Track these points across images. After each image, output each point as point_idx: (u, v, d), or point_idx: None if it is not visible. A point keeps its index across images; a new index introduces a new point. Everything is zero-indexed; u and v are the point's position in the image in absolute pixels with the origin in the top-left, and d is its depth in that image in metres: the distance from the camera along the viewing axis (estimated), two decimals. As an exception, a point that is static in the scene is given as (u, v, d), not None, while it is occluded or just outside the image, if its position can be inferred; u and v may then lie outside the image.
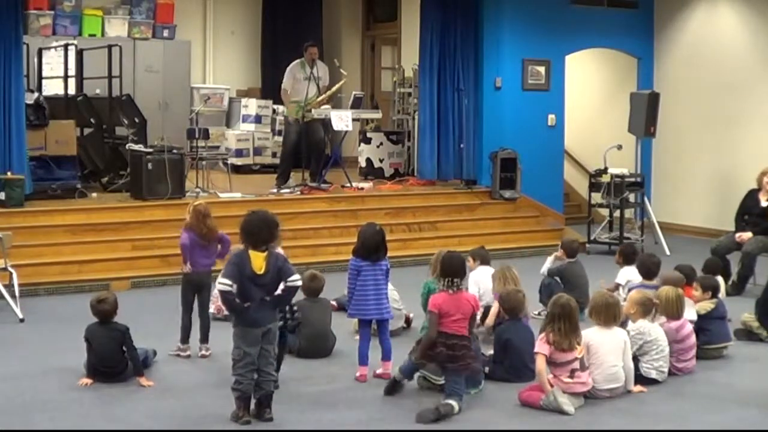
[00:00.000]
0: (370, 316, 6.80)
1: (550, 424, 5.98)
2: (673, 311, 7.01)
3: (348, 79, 13.55)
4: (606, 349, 6.38)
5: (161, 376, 6.86)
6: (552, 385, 6.14)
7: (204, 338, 7.51)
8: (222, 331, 7.81)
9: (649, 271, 8.08)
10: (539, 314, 8.18)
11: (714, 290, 7.70)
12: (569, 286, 8.46)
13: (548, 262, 8.85)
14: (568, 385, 6.16)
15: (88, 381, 6.55)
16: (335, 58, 14.29)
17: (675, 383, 6.78)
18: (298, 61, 12.78)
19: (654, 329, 6.78)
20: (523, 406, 6.20)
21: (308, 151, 12.80)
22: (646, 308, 6.82)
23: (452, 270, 6.26)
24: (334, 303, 8.87)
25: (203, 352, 7.49)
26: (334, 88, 12.95)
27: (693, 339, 7.08)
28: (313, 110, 12.58)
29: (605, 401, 6.34)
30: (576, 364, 6.18)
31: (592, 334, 6.43)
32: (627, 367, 6.47)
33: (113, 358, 6.59)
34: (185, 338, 7.46)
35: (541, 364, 6.18)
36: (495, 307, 7.77)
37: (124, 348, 6.64)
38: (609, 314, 6.46)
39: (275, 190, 12.32)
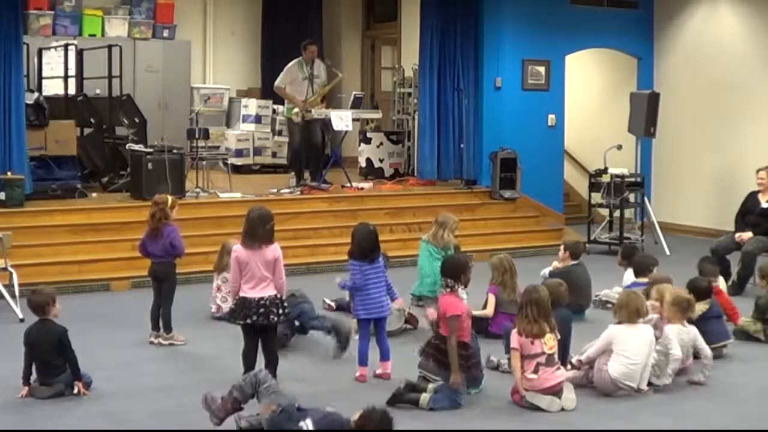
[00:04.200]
0: (373, 315, 6.80)
1: (550, 424, 5.98)
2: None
3: (348, 79, 13.56)
4: (631, 344, 6.43)
5: (161, 376, 6.87)
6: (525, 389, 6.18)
7: (155, 326, 7.66)
8: (222, 331, 7.84)
9: (642, 269, 8.24)
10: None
11: (706, 292, 7.68)
12: (572, 289, 8.41)
13: (552, 267, 8.84)
14: (532, 382, 6.15)
15: (25, 392, 6.33)
16: (328, 58, 14.23)
17: (675, 383, 6.77)
18: (296, 60, 12.75)
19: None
20: (514, 404, 6.23)
21: (307, 151, 12.81)
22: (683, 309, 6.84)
23: (448, 272, 6.37)
24: (332, 303, 8.90)
25: (151, 338, 7.66)
26: (327, 87, 12.93)
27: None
28: (313, 110, 12.59)
29: (604, 401, 6.34)
30: (542, 359, 6.15)
31: (617, 330, 6.52)
32: (647, 366, 6.50)
33: (50, 361, 6.35)
34: (153, 325, 7.67)
35: (515, 361, 6.19)
36: (492, 300, 7.79)
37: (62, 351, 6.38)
38: (631, 309, 6.52)
39: (275, 190, 12.31)
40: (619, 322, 6.59)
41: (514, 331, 6.23)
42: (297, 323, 7.67)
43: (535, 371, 6.14)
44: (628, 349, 6.43)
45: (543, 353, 6.15)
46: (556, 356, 6.22)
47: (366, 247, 6.77)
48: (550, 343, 6.18)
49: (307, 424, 5.24)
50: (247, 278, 6.37)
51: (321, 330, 7.54)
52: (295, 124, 12.72)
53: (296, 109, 12.59)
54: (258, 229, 6.40)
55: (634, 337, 6.49)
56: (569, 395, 6.22)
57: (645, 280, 8.00)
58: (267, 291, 6.37)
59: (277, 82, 12.89)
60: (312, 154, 12.87)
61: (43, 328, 6.43)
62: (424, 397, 6.14)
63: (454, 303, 6.28)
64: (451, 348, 6.17)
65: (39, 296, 6.53)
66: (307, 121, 12.58)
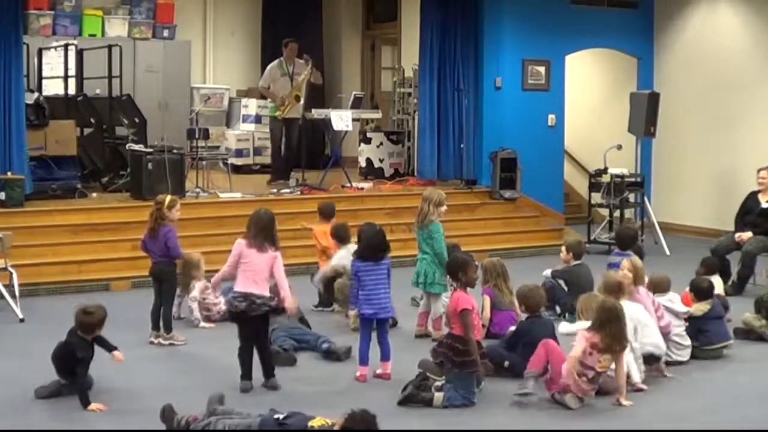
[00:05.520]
0: (376, 316, 6.79)
1: (551, 424, 5.99)
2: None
3: (348, 79, 13.55)
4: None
5: (161, 376, 6.87)
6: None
7: (155, 326, 7.66)
8: (222, 331, 7.85)
9: (623, 242, 8.59)
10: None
11: (707, 292, 7.68)
12: (574, 290, 8.41)
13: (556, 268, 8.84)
14: (577, 384, 6.15)
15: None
16: (327, 58, 14.22)
17: (674, 383, 6.79)
18: (277, 60, 12.98)
19: (629, 307, 6.75)
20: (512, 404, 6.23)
21: (299, 152, 12.90)
22: (611, 290, 6.82)
23: (449, 271, 6.47)
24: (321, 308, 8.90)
25: (151, 338, 7.66)
26: (301, 79, 12.95)
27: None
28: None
29: (605, 401, 6.33)
30: (590, 374, 6.14)
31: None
32: (638, 357, 6.53)
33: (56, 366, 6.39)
34: (153, 325, 7.67)
35: (576, 366, 6.12)
36: (487, 302, 7.79)
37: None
38: (611, 287, 6.67)
39: (275, 190, 12.35)
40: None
41: (585, 335, 6.14)
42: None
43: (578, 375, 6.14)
44: None
45: (592, 368, 6.15)
46: (600, 377, 6.20)
47: (375, 246, 6.80)
48: (604, 362, 6.15)
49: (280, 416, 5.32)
50: (243, 274, 6.45)
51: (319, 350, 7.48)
52: (276, 121, 12.99)
53: (284, 105, 12.85)
54: (272, 231, 6.51)
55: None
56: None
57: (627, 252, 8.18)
58: (257, 289, 6.44)
59: (259, 83, 13.23)
60: (291, 155, 12.98)
61: (68, 345, 6.33)
62: (438, 397, 6.14)
63: (465, 297, 6.29)
64: (471, 343, 6.15)
65: (88, 317, 6.34)
66: (287, 120, 12.69)
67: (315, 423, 5.22)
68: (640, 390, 6.50)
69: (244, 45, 16.82)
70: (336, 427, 5.00)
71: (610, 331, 6.10)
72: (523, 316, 7.21)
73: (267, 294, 6.48)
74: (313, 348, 7.43)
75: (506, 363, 6.79)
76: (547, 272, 8.78)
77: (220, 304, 8.32)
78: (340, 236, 8.68)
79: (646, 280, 7.39)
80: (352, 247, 7.93)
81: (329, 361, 7.25)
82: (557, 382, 6.21)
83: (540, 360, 6.28)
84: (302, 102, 12.99)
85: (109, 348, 6.39)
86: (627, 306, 6.59)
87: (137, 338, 7.73)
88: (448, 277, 6.84)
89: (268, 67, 13.14)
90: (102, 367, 6.79)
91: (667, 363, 7.10)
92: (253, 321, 6.47)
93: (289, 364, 7.02)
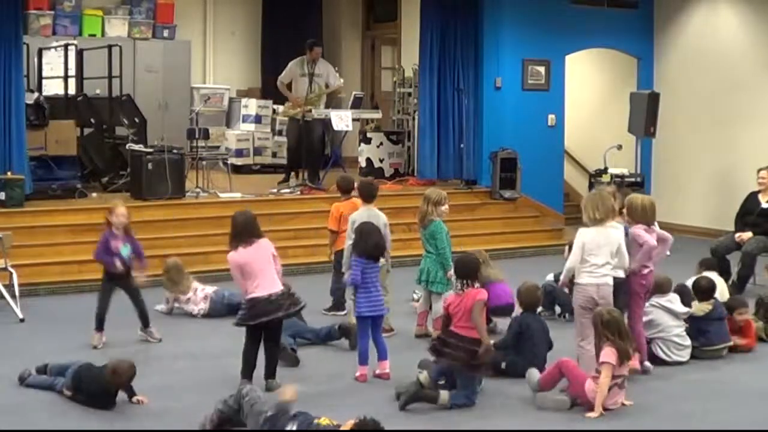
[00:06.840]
0: (375, 313, 6.80)
1: (551, 424, 5.98)
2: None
3: (348, 79, 13.55)
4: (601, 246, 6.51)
5: (160, 376, 6.87)
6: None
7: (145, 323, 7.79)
8: (221, 331, 7.84)
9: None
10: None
11: (709, 292, 7.67)
12: None
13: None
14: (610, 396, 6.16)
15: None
16: (328, 58, 14.22)
17: (673, 382, 6.80)
18: (298, 58, 12.95)
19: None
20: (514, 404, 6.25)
21: (305, 152, 12.85)
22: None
23: (461, 273, 6.43)
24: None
25: (139, 332, 7.76)
26: (327, 90, 13.01)
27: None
28: (314, 110, 12.65)
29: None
30: (619, 381, 6.15)
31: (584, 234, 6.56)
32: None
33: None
34: (143, 323, 7.81)
35: (606, 377, 6.07)
36: None
37: None
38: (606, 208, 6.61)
39: (275, 190, 12.35)
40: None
41: (609, 350, 6.09)
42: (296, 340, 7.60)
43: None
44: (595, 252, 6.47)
45: (621, 375, 6.16)
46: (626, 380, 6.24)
47: (380, 245, 6.82)
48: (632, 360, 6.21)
49: (293, 427, 5.32)
50: (251, 277, 6.40)
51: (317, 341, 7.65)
52: (293, 121, 12.92)
53: (294, 107, 12.80)
54: (254, 226, 6.52)
55: (600, 239, 6.52)
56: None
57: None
58: (275, 287, 6.41)
59: (279, 77, 13.16)
60: (309, 154, 12.90)
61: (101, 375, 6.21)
62: (444, 395, 6.13)
63: (480, 290, 6.32)
64: (480, 325, 6.17)
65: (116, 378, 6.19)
66: (306, 121, 12.63)
67: (321, 422, 5.27)
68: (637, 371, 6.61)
69: (244, 45, 16.82)
70: (344, 427, 5.02)
71: (615, 342, 6.10)
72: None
73: (281, 289, 6.43)
74: (312, 342, 7.56)
75: (503, 365, 6.80)
76: (550, 277, 8.74)
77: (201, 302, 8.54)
78: (369, 193, 8.26)
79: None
80: (374, 212, 7.92)
81: (329, 346, 7.43)
82: (582, 398, 6.19)
83: (552, 380, 6.30)
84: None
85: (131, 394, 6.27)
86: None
87: (136, 338, 7.74)
88: (455, 278, 6.81)
89: (290, 63, 13.06)
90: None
91: (667, 363, 7.12)
92: (274, 323, 6.47)
93: (292, 364, 7.03)
